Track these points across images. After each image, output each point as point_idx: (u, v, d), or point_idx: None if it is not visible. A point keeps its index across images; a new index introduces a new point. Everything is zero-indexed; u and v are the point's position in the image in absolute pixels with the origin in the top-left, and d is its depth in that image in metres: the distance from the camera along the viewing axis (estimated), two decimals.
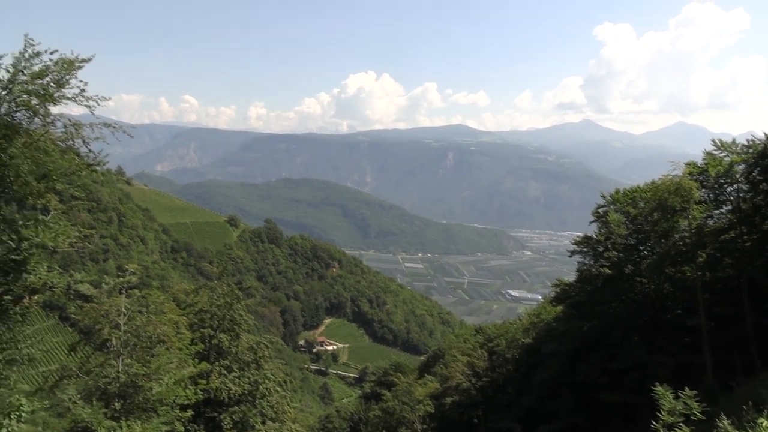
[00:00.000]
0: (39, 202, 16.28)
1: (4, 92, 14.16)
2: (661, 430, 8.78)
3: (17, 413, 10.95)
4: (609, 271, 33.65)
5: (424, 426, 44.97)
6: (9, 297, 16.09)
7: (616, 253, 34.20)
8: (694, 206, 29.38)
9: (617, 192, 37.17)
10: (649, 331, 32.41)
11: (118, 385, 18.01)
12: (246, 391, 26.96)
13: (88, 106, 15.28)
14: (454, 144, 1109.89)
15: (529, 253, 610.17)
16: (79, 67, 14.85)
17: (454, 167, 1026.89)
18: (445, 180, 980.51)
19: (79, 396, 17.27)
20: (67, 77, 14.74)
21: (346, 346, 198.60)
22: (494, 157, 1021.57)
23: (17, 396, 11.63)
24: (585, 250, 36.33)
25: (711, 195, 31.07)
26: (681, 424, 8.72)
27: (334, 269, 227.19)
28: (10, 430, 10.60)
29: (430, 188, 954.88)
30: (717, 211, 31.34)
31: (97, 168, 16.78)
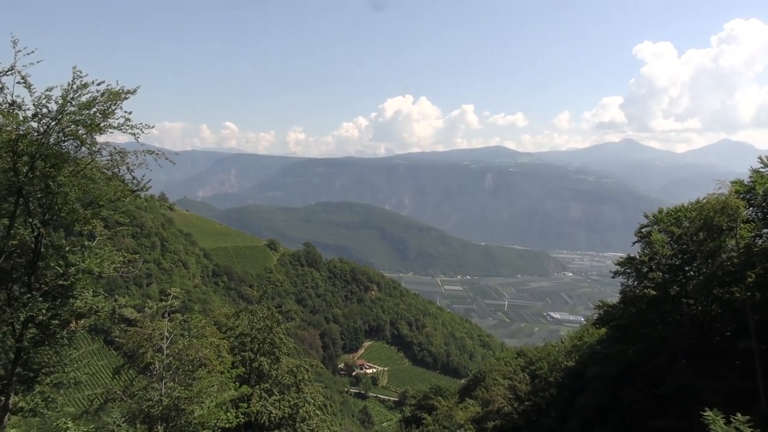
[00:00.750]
0: (85, 228, 16.76)
1: (53, 123, 14.69)
2: None
3: None
4: (654, 293, 32.77)
5: None
6: (56, 321, 16.53)
7: (660, 273, 33.32)
8: (742, 225, 28.52)
9: (661, 211, 36.30)
10: (698, 354, 31.38)
11: (161, 408, 18.22)
12: (286, 415, 26.95)
13: (133, 134, 15.74)
14: (492, 165, 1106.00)
15: (570, 274, 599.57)
16: (125, 98, 15.34)
17: (492, 189, 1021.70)
18: (484, 202, 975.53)
19: (123, 419, 17.53)
20: (113, 107, 15.23)
21: (385, 369, 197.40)
22: (533, 178, 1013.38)
23: (64, 419, 11.90)
24: (628, 271, 35.50)
25: (759, 213, 30.13)
26: None
27: (373, 292, 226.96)
28: None
29: (468, 210, 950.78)
30: (766, 230, 30.30)
31: (141, 194, 17.21)
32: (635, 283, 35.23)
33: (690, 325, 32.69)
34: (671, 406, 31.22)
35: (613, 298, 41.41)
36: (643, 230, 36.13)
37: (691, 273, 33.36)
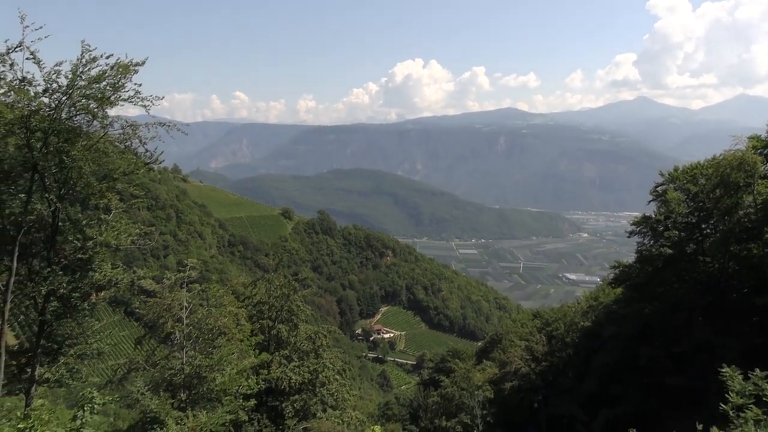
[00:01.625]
0: (101, 202, 16.90)
1: (64, 97, 14.70)
2: (730, 412, 8.48)
3: (90, 405, 11.43)
4: (670, 251, 32.64)
5: (484, 411, 44.82)
6: (77, 294, 16.80)
7: (676, 232, 33.12)
8: (759, 181, 28.18)
9: (676, 169, 35.89)
10: (715, 312, 31.34)
11: (183, 376, 18.58)
12: (306, 380, 27.36)
13: (144, 107, 15.73)
14: (505, 128, 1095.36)
15: (585, 235, 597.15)
16: (134, 71, 15.28)
17: (505, 151, 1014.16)
18: (497, 165, 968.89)
19: (146, 388, 17.89)
20: (123, 80, 15.20)
21: (402, 333, 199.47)
22: (547, 139, 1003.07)
23: (89, 389, 12.13)
24: (644, 230, 35.34)
25: None
26: (751, 406, 8.40)
27: (388, 258, 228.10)
28: (83, 421, 11.08)
29: (482, 174, 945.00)
30: None
31: (154, 166, 17.28)
32: (651, 242, 35.08)
33: (707, 283, 32.59)
34: (688, 364, 31.33)
35: (629, 258, 41.29)
36: (658, 189, 35.81)
37: (708, 230, 33.13)
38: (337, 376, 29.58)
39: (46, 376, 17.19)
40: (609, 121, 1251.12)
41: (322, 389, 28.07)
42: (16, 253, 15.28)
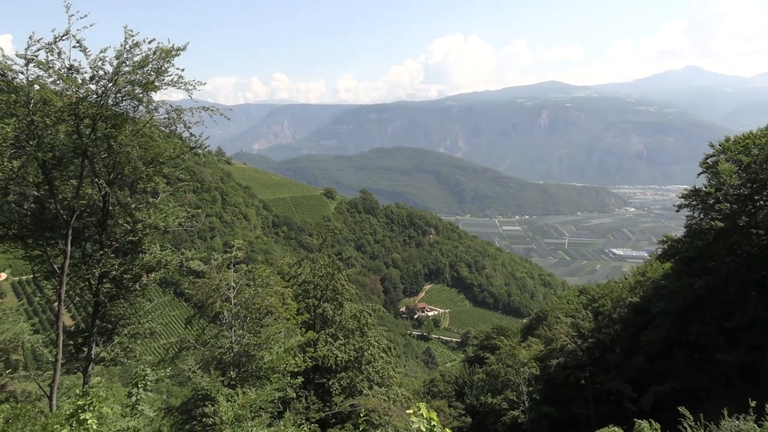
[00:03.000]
0: (148, 185, 17.27)
1: (110, 84, 14.99)
2: None
3: (143, 382, 11.82)
4: (721, 224, 31.58)
5: (530, 388, 44.61)
6: (129, 276, 17.30)
7: (728, 204, 32.01)
8: None
9: (727, 140, 34.52)
10: None
11: (232, 354, 19.00)
12: (352, 358, 27.68)
13: (187, 91, 15.91)
14: (548, 102, 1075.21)
15: (632, 209, 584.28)
16: (176, 55, 15.46)
17: (549, 126, 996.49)
18: (540, 139, 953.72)
19: (197, 366, 18.37)
20: (166, 65, 15.40)
21: (447, 311, 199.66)
22: (591, 112, 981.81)
23: (143, 367, 12.53)
24: (694, 203, 34.23)
25: None
26: None
27: (431, 236, 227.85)
28: (138, 397, 11.46)
29: (525, 149, 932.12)
30: None
31: (199, 150, 17.52)
32: (701, 215, 33.99)
33: (760, 257, 31.49)
34: (741, 340, 30.50)
35: (678, 232, 40.16)
36: (708, 160, 34.53)
37: (761, 202, 31.92)
38: (383, 354, 29.83)
39: (101, 355, 17.82)
40: (656, 91, 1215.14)
41: (368, 367, 28.37)
42: (70, 237, 15.77)
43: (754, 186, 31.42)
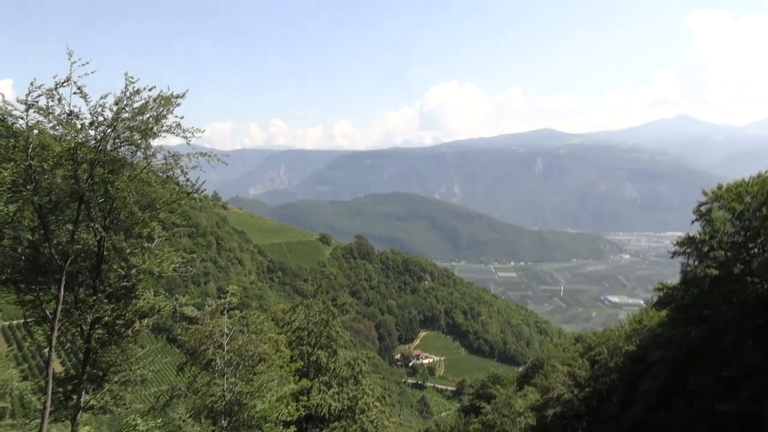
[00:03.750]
0: (144, 230, 17.27)
1: (109, 130, 15.14)
2: None
3: None
4: (716, 272, 31.61)
5: None
6: (121, 321, 17.12)
7: (722, 252, 32.11)
8: None
9: (720, 188, 34.83)
10: (766, 335, 30.16)
11: (224, 403, 18.66)
12: (346, 407, 27.21)
13: (185, 137, 16.09)
14: (542, 149, 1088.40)
15: (627, 256, 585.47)
16: (176, 104, 15.69)
17: (543, 172, 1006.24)
18: (534, 186, 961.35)
19: (188, 414, 18.02)
20: (165, 112, 15.60)
21: (442, 358, 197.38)
22: (585, 160, 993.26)
23: (133, 416, 12.31)
24: (688, 250, 34.31)
25: None
26: None
27: (426, 282, 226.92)
28: None
29: (519, 195, 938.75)
30: None
31: (196, 195, 17.57)
32: (696, 262, 34.03)
33: (756, 305, 31.40)
34: (739, 389, 30.18)
35: (674, 279, 40.13)
36: (702, 208, 34.74)
37: (756, 250, 32.01)
38: (377, 403, 29.34)
39: (91, 402, 17.47)
40: (649, 139, 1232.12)
41: (362, 416, 27.87)
42: (63, 282, 15.66)
43: (748, 234, 31.59)
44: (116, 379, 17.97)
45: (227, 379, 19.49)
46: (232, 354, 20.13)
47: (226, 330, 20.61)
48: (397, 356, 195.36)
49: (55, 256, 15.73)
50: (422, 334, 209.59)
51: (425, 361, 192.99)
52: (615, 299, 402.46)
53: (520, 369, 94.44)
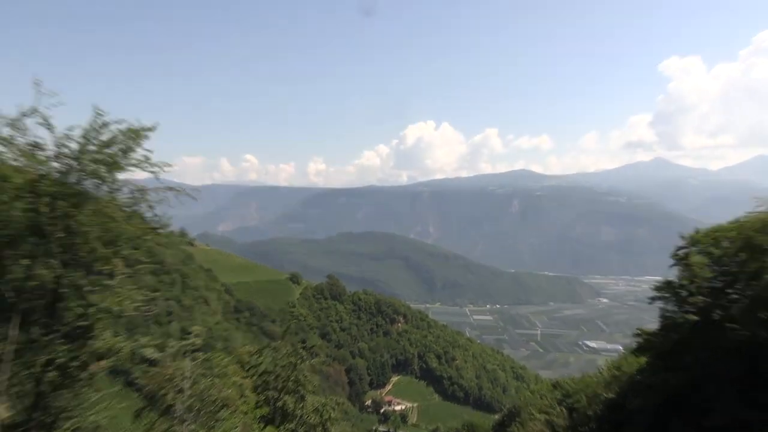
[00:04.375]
0: (106, 267, 16.96)
1: (74, 162, 15.01)
2: None
3: None
4: (695, 318, 31.92)
5: None
6: (76, 363, 16.64)
7: (701, 297, 32.44)
8: None
9: (698, 232, 35.45)
10: (748, 383, 30.38)
11: None
12: None
13: (153, 172, 16.00)
14: (519, 190, 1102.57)
15: (605, 300, 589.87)
16: (145, 137, 15.65)
17: (520, 214, 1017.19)
18: (511, 228, 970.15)
19: None
20: (133, 145, 15.54)
21: (415, 405, 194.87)
22: (562, 202, 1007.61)
23: None
24: (667, 295, 34.64)
25: None
26: None
27: (399, 324, 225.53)
28: None
29: (496, 237, 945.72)
30: None
31: (162, 231, 17.40)
32: (675, 308, 34.34)
33: (737, 352, 31.68)
34: None
35: (652, 324, 40.44)
36: (680, 252, 35.26)
37: (735, 296, 32.44)
38: None
39: None
40: (625, 182, 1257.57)
41: None
42: (16, 321, 15.25)
43: (726, 279, 32.06)
44: (67, 425, 17.38)
45: (187, 426, 19.03)
46: (193, 399, 19.70)
47: (188, 373, 20.20)
48: (368, 402, 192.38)
49: (9, 293, 15.34)
50: (394, 379, 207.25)
51: (397, 408, 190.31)
52: (593, 344, 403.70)
53: (496, 416, 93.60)
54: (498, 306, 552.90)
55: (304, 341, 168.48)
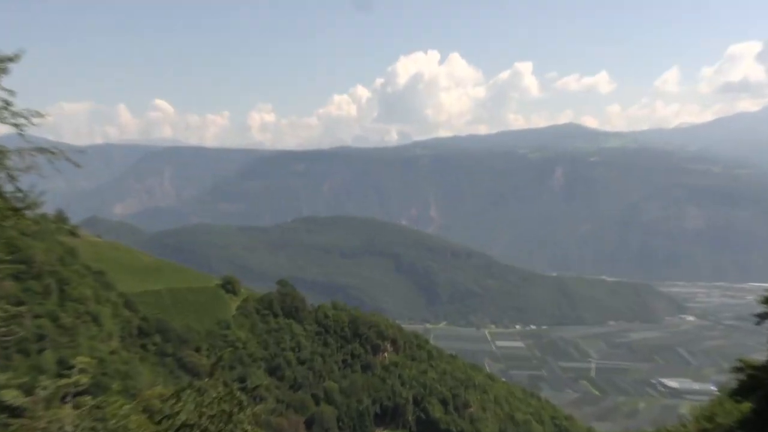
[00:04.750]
0: None
1: None
2: None
3: None
4: None
5: None
6: None
7: None
8: None
9: None
10: None
11: None
12: None
13: (16, 125, 15.80)
14: (563, 154, 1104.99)
15: (691, 318, 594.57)
16: (2, 69, 15.43)
17: (565, 189, 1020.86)
18: (552, 210, 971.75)
19: None
20: None
21: None
22: (628, 172, 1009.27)
23: None
24: None
25: None
26: None
27: (385, 354, 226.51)
28: None
29: (529, 224, 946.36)
30: None
31: (28, 213, 17.27)
32: None
33: None
34: None
35: (760, 353, 40.83)
36: None
37: None
38: None
39: None
40: (721, 143, 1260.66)
41: None
42: None
43: None
44: None
45: None
46: None
47: (69, 428, 20.23)
48: None
49: None
50: None
51: None
52: (673, 383, 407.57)
53: None
54: (533, 327, 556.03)
55: (243, 380, 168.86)
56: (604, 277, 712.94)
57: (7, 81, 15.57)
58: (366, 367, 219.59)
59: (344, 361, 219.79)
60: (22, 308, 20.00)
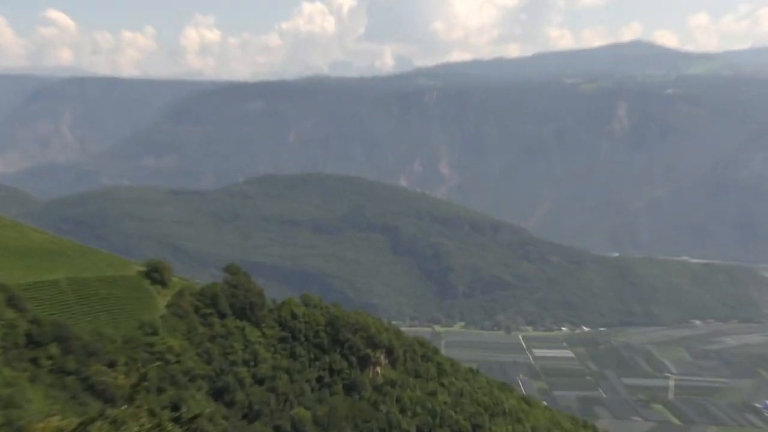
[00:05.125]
0: None
1: None
2: None
3: None
4: None
5: None
6: None
7: None
8: None
9: None
10: None
11: None
12: None
13: None
14: (626, 85, 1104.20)
15: None
16: None
17: (630, 135, 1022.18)
18: (612, 164, 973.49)
19: None
20: None
21: None
22: (720, 110, 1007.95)
23: None
24: None
25: None
26: None
27: (378, 368, 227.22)
28: None
29: (580, 184, 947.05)
30: None
31: None
32: None
33: None
34: None
35: None
36: None
37: None
38: None
39: None
40: None
41: None
42: None
43: None
44: None
45: None
46: None
47: None
48: None
49: None
50: None
51: None
52: None
53: None
54: (586, 329, 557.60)
55: (177, 407, 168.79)
56: (686, 258, 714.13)
57: None
58: (351, 388, 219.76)
59: (320, 379, 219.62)
60: None
